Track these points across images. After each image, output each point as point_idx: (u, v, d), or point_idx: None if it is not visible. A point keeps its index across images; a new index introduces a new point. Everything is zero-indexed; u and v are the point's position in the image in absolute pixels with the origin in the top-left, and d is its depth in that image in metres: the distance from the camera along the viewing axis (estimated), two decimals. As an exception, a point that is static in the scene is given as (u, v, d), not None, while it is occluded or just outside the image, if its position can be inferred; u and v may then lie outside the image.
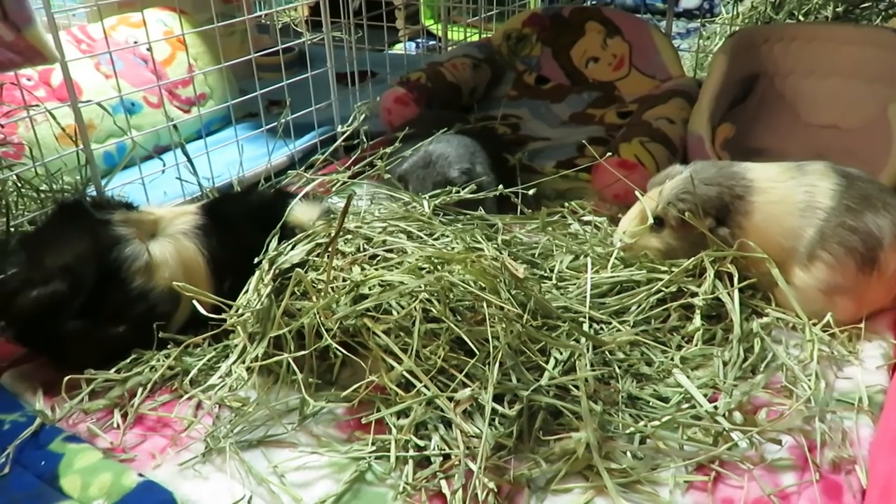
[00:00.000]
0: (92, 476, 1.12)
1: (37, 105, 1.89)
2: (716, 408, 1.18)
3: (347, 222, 1.46)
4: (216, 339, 1.39)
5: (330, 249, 1.27)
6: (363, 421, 1.21)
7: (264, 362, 1.25)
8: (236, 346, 1.33)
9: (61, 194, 1.81)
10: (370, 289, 1.28)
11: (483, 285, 1.24)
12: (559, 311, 1.32)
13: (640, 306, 1.42)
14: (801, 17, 3.07)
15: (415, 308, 1.21)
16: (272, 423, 1.23)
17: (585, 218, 1.81)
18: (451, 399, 1.14)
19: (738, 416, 1.18)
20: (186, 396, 1.29)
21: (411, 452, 1.13)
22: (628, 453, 1.13)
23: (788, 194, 1.43)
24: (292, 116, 2.14)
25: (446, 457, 1.12)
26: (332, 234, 1.25)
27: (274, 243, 1.44)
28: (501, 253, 1.38)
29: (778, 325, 1.43)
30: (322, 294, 1.25)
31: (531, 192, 1.72)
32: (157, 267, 1.37)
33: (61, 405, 1.28)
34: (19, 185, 1.79)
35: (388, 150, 1.95)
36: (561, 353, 1.22)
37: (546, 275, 1.53)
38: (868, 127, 2.05)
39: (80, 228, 1.36)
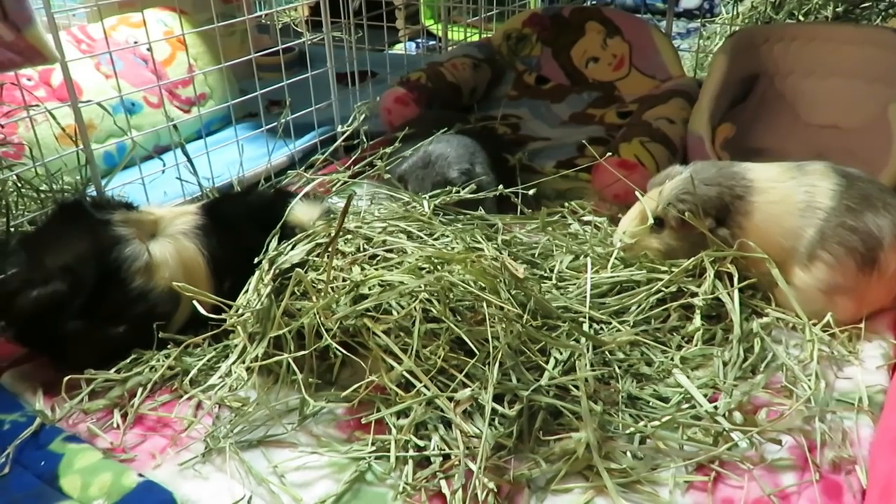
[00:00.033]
0: (92, 476, 1.12)
1: (37, 105, 1.89)
2: (716, 408, 1.18)
3: (347, 222, 1.46)
4: (216, 339, 1.39)
5: (330, 249, 1.27)
6: (363, 421, 1.20)
7: (264, 362, 1.25)
8: (236, 346, 1.33)
9: (61, 194, 1.81)
10: (370, 289, 1.28)
11: (483, 285, 1.23)
12: (559, 311, 1.32)
13: (640, 306, 1.42)
14: (801, 17, 3.07)
15: (415, 308, 1.21)
16: (272, 423, 1.22)
17: (585, 218, 1.81)
18: (451, 399, 1.13)
19: (738, 416, 1.18)
20: (186, 396, 1.29)
21: (411, 452, 1.13)
22: (628, 453, 1.13)
23: (788, 194, 1.43)
24: (292, 116, 2.14)
25: (446, 457, 1.12)
26: (332, 234, 1.25)
27: (274, 243, 1.44)
28: (501, 253, 1.38)
29: (778, 325, 1.43)
30: (322, 294, 1.25)
31: (531, 192, 1.72)
32: (157, 267, 1.37)
33: (61, 405, 1.28)
34: (19, 185, 1.79)
35: (388, 150, 1.94)
36: (561, 353, 1.22)
37: (546, 275, 1.53)
38: (868, 127, 2.05)
39: (80, 228, 1.36)
